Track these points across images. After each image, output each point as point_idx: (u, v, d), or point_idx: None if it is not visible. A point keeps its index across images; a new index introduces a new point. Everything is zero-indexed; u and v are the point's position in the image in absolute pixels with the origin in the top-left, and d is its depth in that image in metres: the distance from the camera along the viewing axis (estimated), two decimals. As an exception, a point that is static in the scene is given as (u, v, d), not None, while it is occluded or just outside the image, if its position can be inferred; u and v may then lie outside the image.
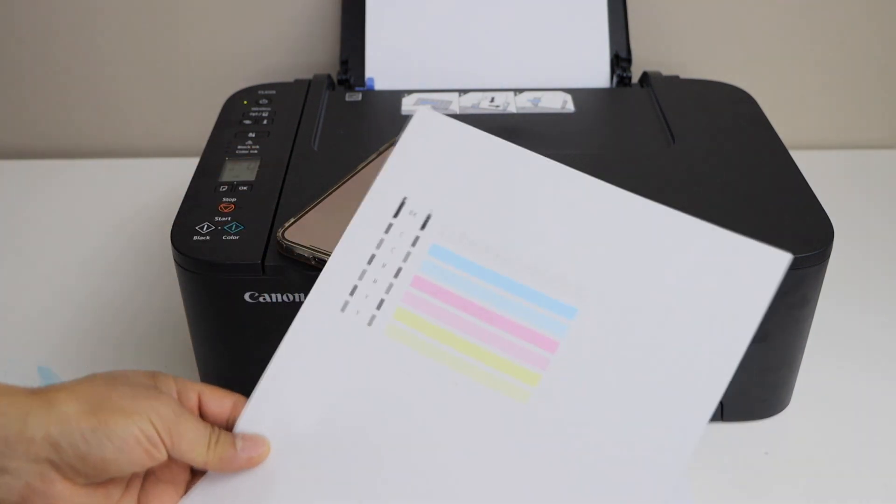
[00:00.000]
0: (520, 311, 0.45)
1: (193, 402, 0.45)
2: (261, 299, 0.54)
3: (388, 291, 0.47)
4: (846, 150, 0.94)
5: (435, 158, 0.48)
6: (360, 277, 0.47)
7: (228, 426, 0.45)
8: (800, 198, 0.58)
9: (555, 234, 0.46)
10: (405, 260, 0.47)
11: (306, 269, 0.52)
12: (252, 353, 0.57)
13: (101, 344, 0.69)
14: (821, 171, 0.73)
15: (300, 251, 0.52)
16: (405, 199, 0.48)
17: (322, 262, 0.51)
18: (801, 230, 0.55)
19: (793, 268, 0.54)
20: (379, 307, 0.47)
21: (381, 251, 0.47)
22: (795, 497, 0.56)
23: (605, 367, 0.44)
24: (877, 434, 0.60)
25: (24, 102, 0.94)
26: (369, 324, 0.46)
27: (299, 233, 0.53)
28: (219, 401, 0.45)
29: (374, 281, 0.47)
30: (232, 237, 0.54)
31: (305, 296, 0.53)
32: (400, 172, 0.48)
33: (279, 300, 0.54)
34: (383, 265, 0.47)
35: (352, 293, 0.47)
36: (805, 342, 0.59)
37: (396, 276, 0.47)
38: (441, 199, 0.48)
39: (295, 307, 0.54)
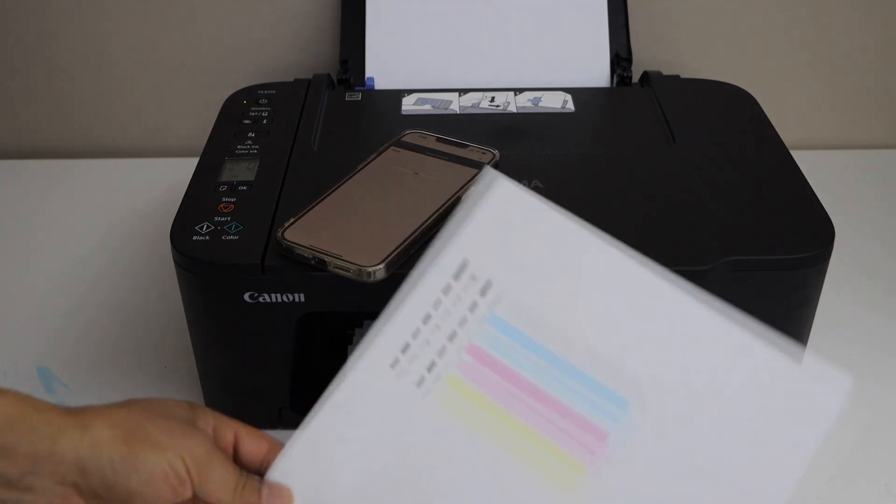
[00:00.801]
0: (571, 396, 0.44)
1: (229, 440, 0.44)
2: (260, 299, 0.54)
3: (440, 355, 0.45)
4: (846, 150, 0.94)
5: (505, 227, 0.47)
6: (414, 336, 0.45)
7: (261, 468, 0.45)
8: (800, 198, 0.58)
9: (619, 326, 0.44)
10: (461, 325, 0.45)
11: (306, 269, 0.52)
12: (252, 353, 0.57)
13: (100, 344, 0.69)
14: (821, 171, 0.73)
15: (300, 251, 0.52)
16: (467, 261, 0.46)
17: (322, 262, 0.51)
18: (802, 230, 0.55)
19: (793, 268, 0.54)
20: (430, 370, 0.45)
21: (437, 312, 0.46)
22: (795, 497, 0.56)
23: (652, 467, 0.42)
24: (877, 434, 0.60)
25: (24, 103, 0.94)
26: (418, 385, 0.45)
27: (299, 233, 0.53)
28: (255, 442, 0.45)
29: (428, 342, 0.45)
30: (231, 237, 0.54)
31: (305, 296, 0.54)
32: (466, 234, 0.46)
33: (279, 300, 0.54)
34: (438, 327, 0.46)
35: (404, 351, 0.45)
36: (805, 342, 0.59)
37: (451, 340, 0.45)
38: (505, 269, 0.46)
39: (295, 307, 0.54)
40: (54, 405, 0.40)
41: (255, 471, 0.45)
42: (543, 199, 0.47)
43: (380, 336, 0.46)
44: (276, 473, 0.44)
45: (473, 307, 0.46)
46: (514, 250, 0.46)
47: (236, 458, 0.45)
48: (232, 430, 0.45)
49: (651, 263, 0.45)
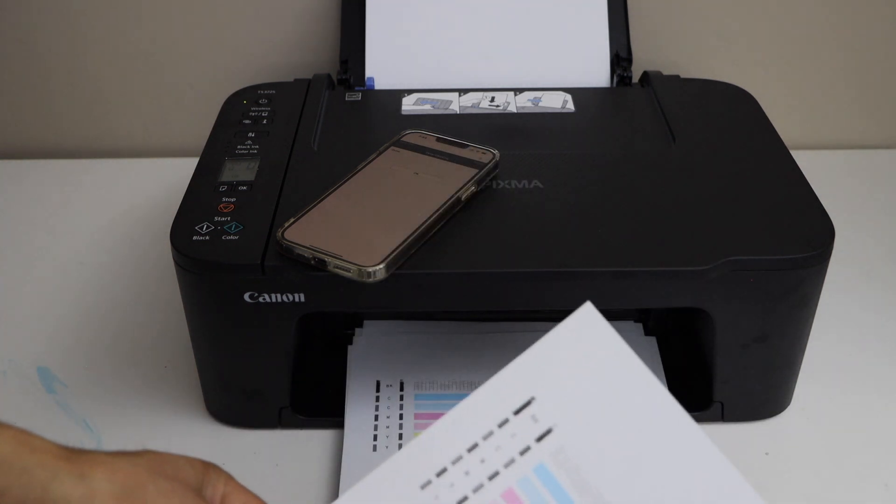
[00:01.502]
0: None
1: None
2: (260, 299, 0.53)
3: (475, 491, 0.42)
4: (846, 150, 0.94)
5: (581, 367, 0.43)
6: (454, 462, 0.42)
7: None
8: (800, 198, 0.58)
9: None
10: (507, 466, 0.42)
11: (306, 269, 0.52)
12: (252, 353, 0.57)
13: (100, 344, 0.69)
14: (821, 171, 0.73)
15: (300, 251, 0.52)
16: (533, 399, 0.42)
17: (322, 262, 0.51)
18: (802, 230, 0.55)
19: (793, 268, 0.54)
20: (460, 502, 0.42)
21: (486, 444, 0.42)
22: (795, 497, 0.56)
23: None
24: (877, 434, 0.60)
25: (24, 103, 0.94)
26: None
27: (299, 233, 0.53)
28: None
29: (467, 473, 0.42)
30: (231, 237, 0.54)
31: (305, 296, 0.54)
32: (539, 367, 0.43)
33: (279, 300, 0.53)
34: (482, 461, 0.42)
35: (439, 475, 0.42)
36: (805, 342, 0.59)
37: (491, 479, 0.42)
38: (570, 418, 0.42)
39: (295, 307, 0.54)
40: (54, 445, 0.38)
41: None
42: (627, 346, 0.43)
43: (419, 448, 0.42)
44: None
45: (525, 451, 0.42)
46: (583, 393, 0.42)
47: None
48: (241, 501, 0.42)
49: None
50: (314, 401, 0.62)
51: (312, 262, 0.51)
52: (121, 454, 0.40)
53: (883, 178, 0.89)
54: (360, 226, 0.54)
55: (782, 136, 0.65)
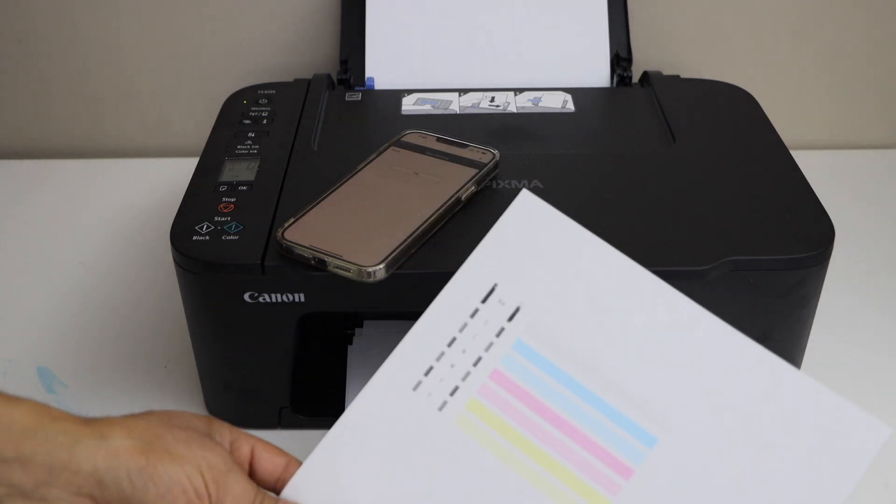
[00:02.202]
0: (598, 429, 0.43)
1: (245, 455, 0.44)
2: (260, 299, 0.53)
3: (464, 379, 0.44)
4: (846, 150, 0.94)
5: (533, 248, 0.46)
6: (438, 359, 0.45)
7: (277, 486, 0.44)
8: (800, 198, 0.58)
9: (647, 356, 0.43)
10: (487, 350, 0.45)
11: (306, 269, 0.52)
12: (252, 353, 0.57)
13: (100, 344, 0.69)
14: (821, 171, 0.73)
15: (300, 251, 0.52)
16: (496, 285, 0.46)
17: (322, 262, 0.51)
18: (802, 230, 0.55)
19: (793, 268, 0.54)
20: (452, 394, 0.44)
21: (463, 335, 0.45)
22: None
23: None
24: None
25: (24, 103, 0.94)
26: (440, 409, 0.44)
27: (299, 233, 0.53)
28: (272, 458, 0.44)
29: (452, 365, 0.45)
30: (231, 237, 0.54)
31: (305, 296, 0.54)
32: (494, 256, 0.46)
33: (279, 300, 0.53)
34: (463, 351, 0.45)
35: (427, 373, 0.45)
36: (806, 342, 0.59)
37: (475, 364, 0.45)
38: (533, 293, 0.45)
39: (295, 307, 0.54)
40: (71, 414, 0.40)
41: (271, 488, 0.44)
42: (572, 220, 0.46)
43: (403, 355, 0.45)
44: (292, 490, 0.43)
45: (500, 332, 0.45)
46: (541, 270, 0.45)
47: (252, 474, 0.44)
48: (249, 445, 0.44)
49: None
50: (314, 401, 0.62)
51: (312, 262, 0.51)
52: (132, 415, 0.41)
53: (883, 178, 0.89)
54: (360, 226, 0.54)
55: (782, 136, 0.65)
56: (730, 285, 0.53)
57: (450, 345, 0.45)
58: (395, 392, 0.44)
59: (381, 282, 0.51)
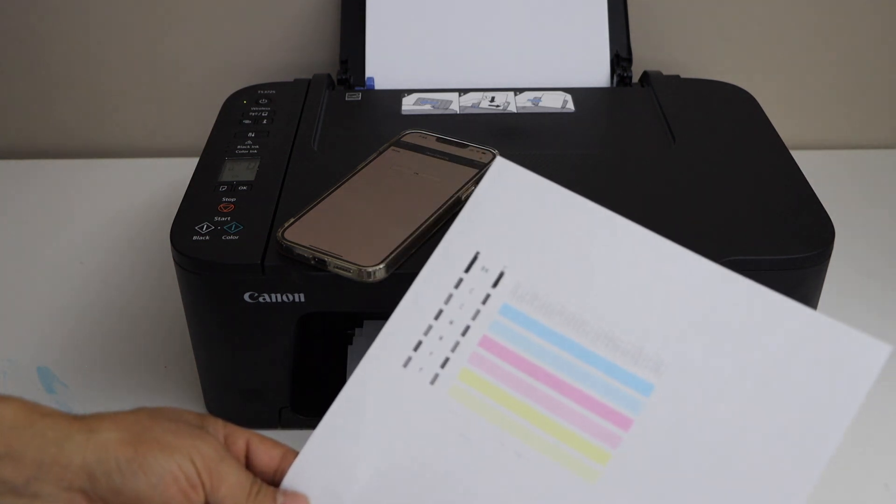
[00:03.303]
0: (592, 382, 0.42)
1: (240, 449, 0.43)
2: (260, 299, 0.53)
3: (453, 350, 0.44)
4: (846, 150, 0.94)
5: (511, 212, 0.46)
6: (426, 333, 0.45)
7: (275, 479, 0.44)
8: (800, 198, 0.58)
9: (635, 303, 0.43)
10: (474, 318, 0.45)
11: (306, 269, 0.52)
12: (252, 353, 0.57)
13: (100, 344, 0.69)
14: (821, 171, 0.73)
15: (300, 251, 0.52)
16: (478, 253, 0.45)
17: (322, 262, 0.51)
18: (802, 230, 0.55)
19: (793, 268, 0.54)
20: (443, 366, 0.44)
21: (449, 307, 0.45)
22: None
23: (681, 451, 0.40)
24: (877, 434, 0.60)
25: (24, 103, 0.94)
26: (432, 382, 0.44)
27: (299, 232, 0.53)
28: (267, 451, 0.44)
29: (440, 338, 0.44)
30: (231, 237, 0.54)
31: (305, 296, 0.54)
32: (474, 225, 0.46)
33: (279, 300, 0.53)
34: (451, 322, 0.45)
35: (416, 349, 0.44)
36: (805, 342, 0.59)
37: (464, 334, 0.44)
38: (515, 257, 0.45)
39: (295, 307, 0.54)
40: (59, 411, 0.40)
41: (269, 481, 0.43)
42: (547, 181, 0.46)
43: (390, 334, 0.45)
44: (291, 479, 0.43)
45: (486, 299, 0.45)
46: (521, 233, 0.45)
47: (248, 468, 0.43)
48: (244, 439, 0.44)
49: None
50: (314, 401, 0.61)
51: (312, 262, 0.51)
52: (122, 411, 0.41)
53: (883, 178, 0.89)
54: (359, 226, 0.54)
55: (782, 136, 0.65)
56: (730, 285, 0.53)
57: (436, 317, 0.45)
58: (385, 371, 0.44)
59: (381, 282, 0.51)
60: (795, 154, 0.63)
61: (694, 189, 0.59)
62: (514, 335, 0.44)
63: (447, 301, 0.45)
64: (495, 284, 0.45)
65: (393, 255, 0.51)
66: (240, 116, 0.68)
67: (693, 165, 0.61)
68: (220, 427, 0.43)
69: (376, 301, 0.54)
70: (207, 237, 0.54)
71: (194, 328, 0.58)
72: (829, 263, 0.55)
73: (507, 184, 0.46)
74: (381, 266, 0.50)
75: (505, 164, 0.47)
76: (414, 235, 0.52)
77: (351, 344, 0.64)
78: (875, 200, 0.85)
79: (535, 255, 0.45)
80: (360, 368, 0.45)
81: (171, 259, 0.55)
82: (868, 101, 0.93)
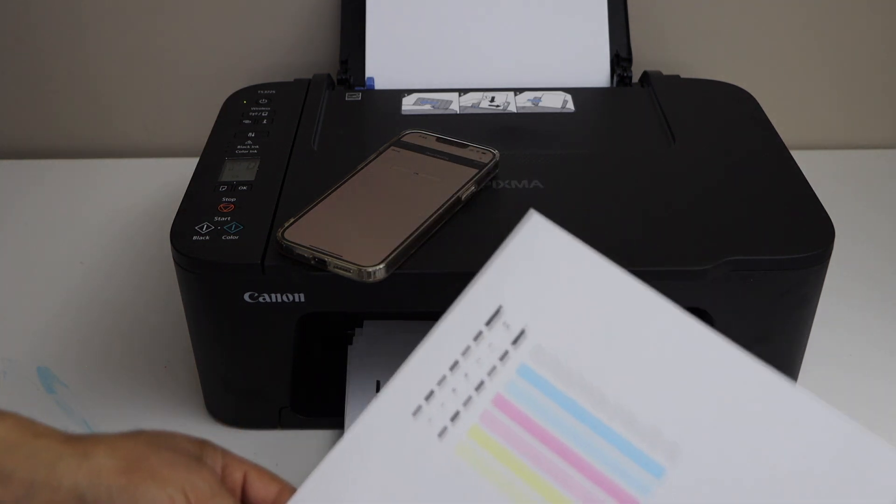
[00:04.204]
0: (603, 458, 0.41)
1: (237, 480, 0.43)
2: (260, 299, 0.53)
3: (465, 405, 0.43)
4: (846, 150, 0.94)
5: (541, 272, 0.44)
6: (439, 383, 0.43)
7: None
8: (800, 198, 0.58)
9: (658, 383, 0.41)
10: (490, 374, 0.43)
11: (306, 269, 0.52)
12: (252, 353, 0.57)
13: (100, 344, 0.69)
14: (821, 171, 0.73)
15: (300, 251, 0.52)
16: (501, 308, 0.44)
17: (322, 262, 0.51)
18: (802, 230, 0.55)
19: (793, 268, 0.54)
20: (453, 420, 0.43)
21: (466, 359, 0.43)
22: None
23: None
24: (877, 434, 0.60)
25: (24, 103, 0.94)
26: (440, 436, 0.42)
27: (299, 233, 0.53)
28: (265, 484, 0.43)
29: (454, 390, 0.43)
30: (231, 237, 0.54)
31: (305, 296, 0.54)
32: (501, 279, 0.44)
33: (279, 300, 0.53)
34: (466, 375, 0.43)
35: (427, 398, 0.43)
36: (806, 342, 0.59)
37: (478, 389, 0.43)
38: (540, 317, 0.43)
39: (295, 307, 0.54)
40: (55, 430, 0.39)
41: None
42: (582, 243, 0.44)
43: (403, 380, 0.43)
44: None
45: (504, 357, 0.43)
46: (548, 293, 0.44)
47: (243, 501, 0.43)
48: (241, 471, 0.43)
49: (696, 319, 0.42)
50: (314, 401, 0.62)
51: (312, 262, 0.51)
52: (119, 434, 0.40)
53: (883, 178, 0.89)
54: (360, 226, 0.54)
55: (782, 136, 0.65)
56: (730, 285, 0.53)
57: (452, 369, 0.43)
58: (394, 418, 0.43)
59: (381, 282, 0.51)
60: (795, 154, 0.63)
61: (694, 189, 0.59)
62: (530, 398, 0.42)
63: (465, 353, 0.44)
64: (516, 342, 0.43)
65: (393, 255, 0.51)
66: (240, 116, 0.68)
67: (693, 165, 0.61)
68: (218, 457, 0.43)
69: (376, 301, 0.54)
70: (207, 237, 0.54)
71: (194, 328, 0.58)
72: (829, 263, 0.55)
73: (540, 242, 0.45)
74: (381, 266, 0.50)
75: (540, 220, 0.45)
76: (414, 235, 0.52)
77: (351, 344, 0.64)
78: (875, 200, 0.85)
79: (560, 319, 0.43)
80: (369, 411, 0.43)
81: (171, 259, 0.55)
82: (868, 101, 0.93)
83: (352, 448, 0.43)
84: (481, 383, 0.43)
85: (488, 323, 0.44)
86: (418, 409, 0.43)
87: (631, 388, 0.41)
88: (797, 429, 0.39)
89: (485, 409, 0.43)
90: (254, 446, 0.60)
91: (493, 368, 0.43)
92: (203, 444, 0.43)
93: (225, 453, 0.43)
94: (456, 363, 0.43)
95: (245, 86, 0.73)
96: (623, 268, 0.43)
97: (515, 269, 0.44)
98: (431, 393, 0.43)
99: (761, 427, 0.40)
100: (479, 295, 0.44)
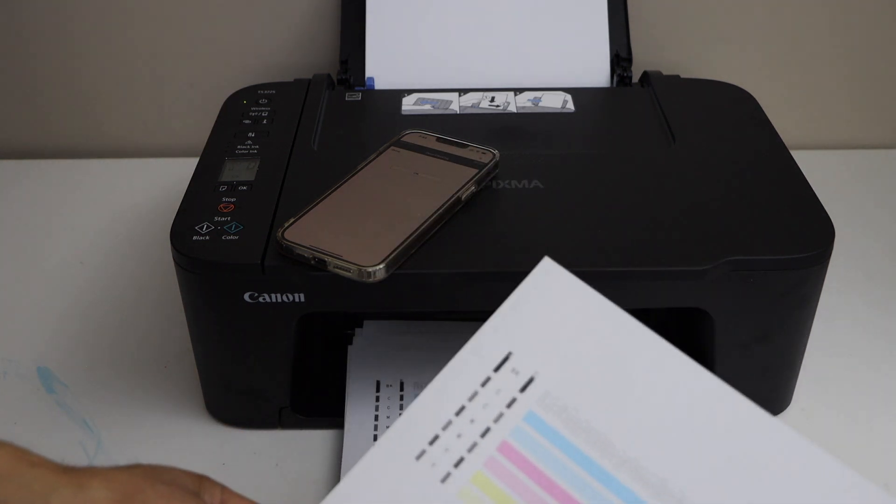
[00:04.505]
0: None
1: None
2: (260, 299, 0.53)
3: (470, 450, 0.42)
4: (846, 150, 0.94)
5: (551, 317, 0.44)
6: (445, 428, 0.43)
7: None
8: (800, 198, 0.58)
9: (666, 434, 0.41)
10: (496, 421, 0.42)
11: (306, 269, 0.52)
12: (252, 353, 0.57)
13: (100, 344, 0.69)
14: (821, 171, 0.73)
15: (300, 251, 0.52)
16: (510, 354, 0.43)
17: (322, 262, 0.51)
18: (802, 230, 0.55)
19: (793, 268, 0.54)
20: (457, 465, 0.42)
21: (472, 404, 0.43)
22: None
23: None
24: (877, 434, 0.60)
25: (24, 102, 0.94)
26: (442, 481, 0.42)
27: (299, 233, 0.53)
28: None
29: (459, 436, 0.42)
30: (231, 237, 0.54)
31: (305, 296, 0.54)
32: (510, 324, 0.44)
33: (279, 300, 0.53)
34: (472, 420, 0.43)
35: (431, 443, 0.42)
36: (806, 342, 0.59)
37: (483, 435, 0.42)
38: (548, 364, 0.43)
39: (295, 307, 0.54)
40: (50, 461, 0.39)
41: None
42: (593, 290, 0.44)
43: (407, 422, 0.43)
44: None
45: (511, 403, 0.43)
46: (558, 340, 0.43)
47: None
48: None
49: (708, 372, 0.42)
50: (314, 401, 0.62)
51: (312, 262, 0.51)
52: (117, 467, 0.40)
53: (883, 178, 0.89)
54: (359, 226, 0.54)
55: (782, 136, 0.65)
56: (730, 285, 0.53)
57: (458, 413, 0.43)
58: (397, 460, 0.42)
59: (381, 282, 0.51)
60: (795, 154, 0.63)
61: (694, 189, 0.59)
62: (536, 445, 0.42)
63: (471, 398, 0.43)
64: (523, 389, 0.43)
65: (393, 255, 0.51)
66: (240, 116, 0.68)
67: (693, 165, 0.61)
68: (217, 493, 0.42)
69: (376, 301, 0.54)
70: (207, 237, 0.54)
71: (194, 328, 0.58)
72: (829, 263, 0.55)
73: (550, 287, 0.45)
74: (381, 266, 0.50)
75: (552, 265, 0.45)
76: (414, 235, 0.52)
77: (351, 344, 0.64)
78: (875, 200, 0.85)
79: (569, 366, 0.43)
80: (373, 452, 0.43)
81: (171, 259, 0.55)
82: (868, 101, 0.93)
83: (352, 489, 0.42)
84: (487, 429, 0.43)
85: (497, 368, 0.43)
86: (422, 453, 0.42)
87: (638, 438, 0.41)
88: (804, 481, 0.39)
89: (490, 455, 0.42)
90: (254, 446, 0.60)
91: (500, 415, 0.43)
92: (201, 479, 0.42)
93: (224, 489, 0.43)
94: (462, 408, 0.43)
95: (245, 86, 0.73)
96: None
97: (525, 314, 0.44)
98: (436, 437, 0.43)
99: (769, 479, 0.39)
100: (488, 339, 0.44)
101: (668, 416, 0.41)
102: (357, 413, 0.60)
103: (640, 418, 0.42)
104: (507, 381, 0.43)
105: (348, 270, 0.50)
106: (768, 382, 0.59)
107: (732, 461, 0.40)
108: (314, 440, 0.60)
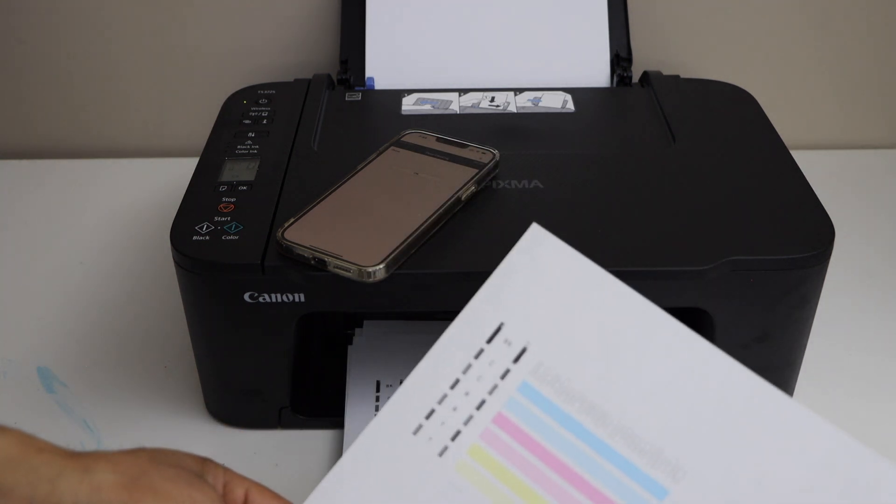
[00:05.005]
0: (605, 478, 0.40)
1: (239, 498, 0.43)
2: (260, 299, 0.54)
3: (466, 423, 0.42)
4: (846, 150, 0.94)
5: (542, 286, 0.43)
6: (440, 402, 0.43)
7: None
8: (800, 198, 0.58)
9: (660, 401, 0.41)
10: (491, 392, 0.43)
11: (306, 269, 0.52)
12: (252, 353, 0.57)
13: (100, 344, 0.69)
14: (821, 171, 0.73)
15: (300, 251, 0.52)
16: (502, 324, 0.43)
17: (322, 262, 0.51)
18: (802, 230, 0.55)
19: (793, 268, 0.54)
20: (454, 438, 0.42)
21: (466, 377, 0.43)
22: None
23: None
24: (877, 434, 0.60)
25: (24, 102, 0.94)
26: (440, 454, 0.42)
27: (299, 233, 0.53)
28: (266, 502, 0.43)
29: (454, 409, 0.43)
30: (231, 237, 0.54)
31: (305, 296, 0.54)
32: (501, 294, 0.44)
33: (279, 300, 0.53)
34: (466, 393, 0.43)
35: (428, 417, 0.43)
36: (806, 342, 0.59)
37: (479, 408, 0.43)
38: (541, 334, 0.43)
39: (295, 307, 0.54)
40: (56, 446, 0.39)
41: None
42: (583, 255, 0.44)
43: (403, 397, 0.43)
44: None
45: (505, 374, 0.43)
46: (549, 308, 0.43)
47: None
48: (243, 488, 0.43)
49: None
50: (314, 401, 0.62)
51: (312, 262, 0.51)
52: (121, 451, 0.40)
53: (883, 178, 0.89)
54: (359, 226, 0.54)
55: (782, 136, 0.65)
56: (730, 285, 0.53)
57: (452, 387, 0.43)
58: (394, 436, 0.43)
59: (381, 282, 0.51)
60: (795, 154, 0.63)
61: (694, 189, 0.59)
62: (531, 416, 0.42)
63: (465, 371, 0.43)
64: (517, 360, 0.43)
65: (393, 255, 0.51)
66: (240, 116, 0.68)
67: (693, 165, 0.61)
68: (220, 475, 0.43)
69: (376, 301, 0.54)
70: (207, 237, 0.54)
71: (194, 328, 0.58)
72: (829, 263, 0.55)
73: (540, 255, 0.44)
74: (381, 266, 0.50)
75: (541, 232, 0.44)
76: (414, 235, 0.52)
77: (351, 344, 0.64)
78: (875, 200, 0.85)
79: (562, 335, 0.43)
80: (370, 429, 0.43)
81: (171, 259, 0.55)
82: (868, 101, 0.93)
83: (351, 466, 0.42)
84: (482, 402, 0.43)
85: (489, 340, 0.44)
86: (419, 428, 0.43)
87: (633, 406, 0.41)
88: (801, 447, 0.39)
89: (486, 427, 0.42)
90: (254, 446, 0.60)
91: (495, 386, 0.43)
92: (205, 462, 0.43)
93: (227, 471, 0.43)
94: (457, 381, 0.43)
95: (245, 85, 0.73)
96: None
97: (516, 284, 0.44)
98: (432, 411, 0.43)
99: (765, 446, 0.39)
100: (479, 310, 0.44)
101: (662, 383, 0.41)
102: (357, 413, 0.60)
103: (634, 386, 0.41)
104: (500, 353, 0.43)
105: (348, 270, 0.50)
106: (769, 382, 0.59)
107: (727, 427, 0.40)
108: (314, 440, 0.60)
